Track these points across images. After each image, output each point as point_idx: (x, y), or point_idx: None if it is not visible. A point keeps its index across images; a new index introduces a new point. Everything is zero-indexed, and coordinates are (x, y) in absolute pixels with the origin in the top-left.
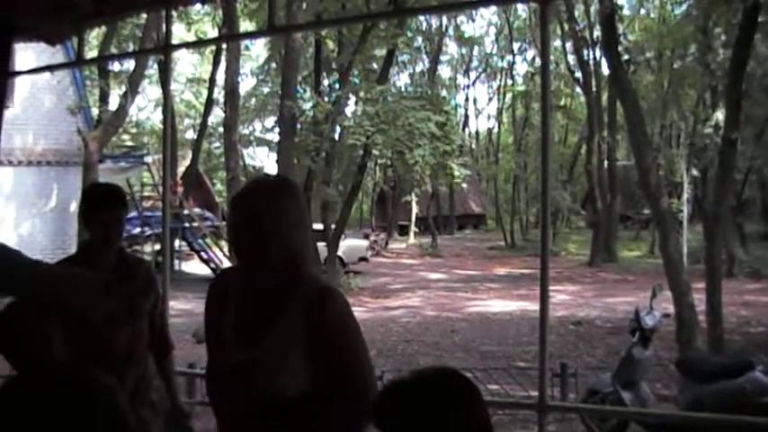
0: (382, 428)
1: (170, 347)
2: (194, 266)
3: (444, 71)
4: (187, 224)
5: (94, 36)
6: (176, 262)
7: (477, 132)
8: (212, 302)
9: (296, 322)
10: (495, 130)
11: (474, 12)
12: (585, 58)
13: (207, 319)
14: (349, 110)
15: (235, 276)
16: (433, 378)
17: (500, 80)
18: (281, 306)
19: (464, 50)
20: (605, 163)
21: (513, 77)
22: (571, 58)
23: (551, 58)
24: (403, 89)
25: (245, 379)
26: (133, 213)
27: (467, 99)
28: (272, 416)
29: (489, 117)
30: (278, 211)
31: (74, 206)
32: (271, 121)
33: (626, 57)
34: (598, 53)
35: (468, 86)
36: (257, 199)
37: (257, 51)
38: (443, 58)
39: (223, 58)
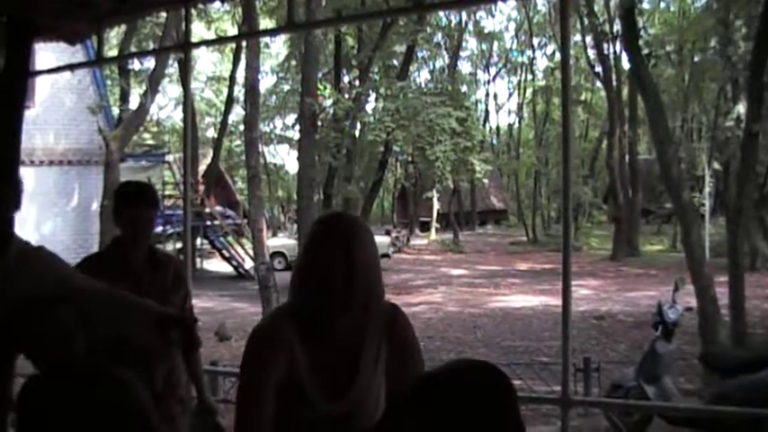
0: (414, 419)
1: (197, 344)
2: (216, 264)
3: (464, 67)
4: (209, 222)
5: (114, 35)
6: (198, 260)
7: (497, 128)
8: (271, 356)
9: (376, 350)
10: (516, 125)
11: (493, 7)
12: (606, 52)
13: (260, 377)
14: (369, 106)
15: (287, 331)
16: (467, 371)
17: (520, 75)
18: (357, 341)
19: (484, 46)
20: (626, 157)
21: (533, 72)
22: (591, 53)
23: (571, 52)
24: (423, 85)
25: (345, 428)
26: None
27: (487, 94)
28: None
29: (510, 112)
30: (359, 254)
31: (95, 205)
32: (291, 118)
33: (646, 51)
34: (618, 47)
35: (488, 82)
36: (340, 242)
37: (277, 49)
38: (463, 53)
39: (243, 56)
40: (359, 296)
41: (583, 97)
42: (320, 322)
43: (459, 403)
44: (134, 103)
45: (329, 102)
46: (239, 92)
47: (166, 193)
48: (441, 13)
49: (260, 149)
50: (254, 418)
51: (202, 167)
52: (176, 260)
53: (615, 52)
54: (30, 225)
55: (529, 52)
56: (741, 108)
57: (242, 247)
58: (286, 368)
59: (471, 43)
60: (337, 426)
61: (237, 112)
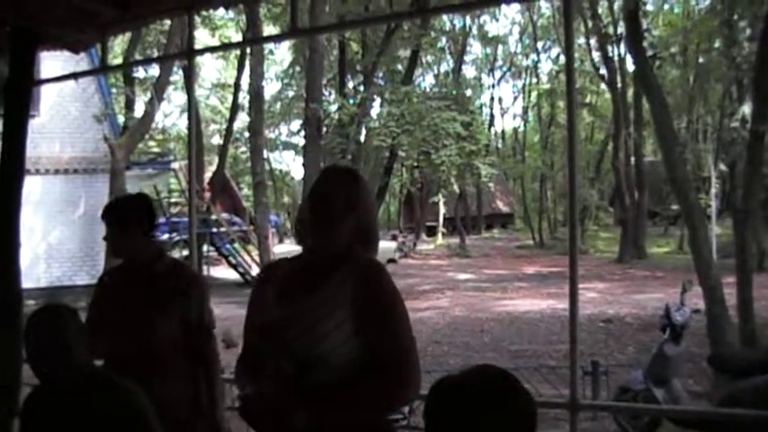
0: (433, 426)
1: (208, 358)
2: (223, 272)
3: (469, 71)
4: (215, 229)
5: (119, 44)
6: (205, 267)
7: (503, 131)
8: (259, 286)
9: (341, 288)
10: (521, 128)
11: (498, 11)
12: (610, 54)
13: (252, 302)
14: (374, 111)
15: (286, 262)
16: (484, 377)
17: (525, 79)
18: (328, 274)
19: (488, 50)
20: (632, 159)
21: (537, 76)
22: (596, 55)
23: (575, 55)
24: (428, 90)
25: (284, 337)
26: (161, 219)
27: (492, 98)
28: (306, 376)
29: (515, 116)
30: (344, 197)
31: (101, 213)
32: (296, 124)
33: (651, 52)
34: (622, 49)
35: (493, 86)
36: (327, 185)
37: (281, 55)
38: (468, 57)
39: (247, 63)
40: (336, 238)
41: (588, 100)
42: (299, 259)
43: (480, 411)
44: (139, 111)
45: (334, 107)
46: (244, 98)
47: (172, 200)
48: (445, 18)
49: (265, 156)
50: (246, 342)
51: (208, 174)
52: (184, 272)
53: (620, 54)
54: (37, 234)
55: (533, 56)
56: (746, 109)
57: (248, 253)
58: (265, 290)
59: (476, 47)
60: (275, 328)
61: (242, 119)
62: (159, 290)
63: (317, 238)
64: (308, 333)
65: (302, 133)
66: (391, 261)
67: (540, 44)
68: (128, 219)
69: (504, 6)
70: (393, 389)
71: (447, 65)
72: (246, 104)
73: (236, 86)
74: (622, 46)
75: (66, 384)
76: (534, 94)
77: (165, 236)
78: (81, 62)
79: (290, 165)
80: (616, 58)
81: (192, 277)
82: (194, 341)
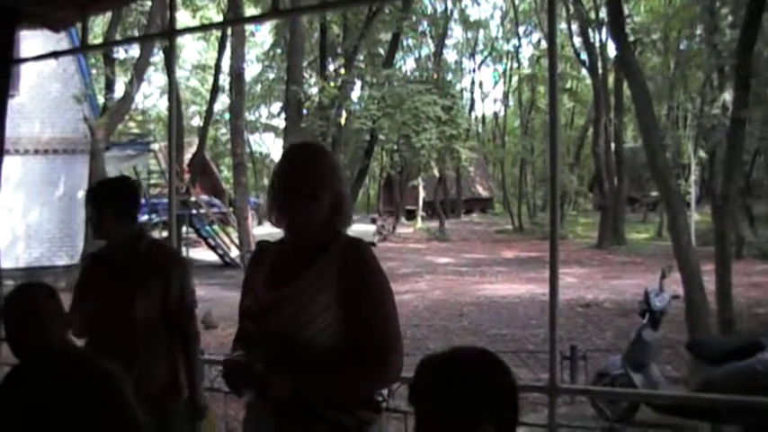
0: (418, 402)
1: (189, 336)
2: (202, 253)
3: (450, 55)
4: (194, 211)
5: (99, 24)
6: (184, 249)
7: (483, 116)
8: (251, 269)
9: (327, 270)
10: (502, 113)
11: None
12: (591, 40)
13: (245, 284)
14: (355, 94)
15: (274, 245)
16: (470, 357)
17: (506, 63)
18: (313, 257)
19: (470, 34)
20: (612, 145)
21: (518, 61)
22: (577, 41)
23: (557, 40)
24: (409, 73)
25: (270, 320)
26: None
27: (473, 83)
28: (295, 359)
29: (495, 101)
30: (315, 174)
31: (81, 194)
32: (277, 106)
33: (632, 38)
34: (604, 35)
35: (473, 70)
36: (294, 163)
37: (262, 38)
38: (449, 42)
39: (228, 44)
40: (315, 215)
41: (568, 85)
42: (282, 240)
43: (465, 389)
44: (119, 91)
45: (315, 90)
46: (225, 80)
47: (152, 181)
48: (426, 1)
49: (245, 138)
50: (240, 324)
51: (188, 156)
52: (162, 251)
53: (601, 40)
54: (16, 214)
55: (514, 40)
56: (727, 96)
57: (228, 235)
58: (256, 273)
59: (457, 32)
60: (263, 313)
61: (223, 101)
62: (140, 269)
63: (291, 216)
64: (295, 317)
65: (282, 115)
66: (370, 244)
67: (521, 29)
68: (111, 201)
69: None
70: (375, 369)
71: (428, 48)
72: (227, 86)
73: (217, 68)
74: (604, 32)
75: (43, 363)
76: (515, 78)
77: (145, 217)
78: (61, 42)
79: (270, 147)
80: (597, 44)
81: (173, 256)
82: (175, 319)
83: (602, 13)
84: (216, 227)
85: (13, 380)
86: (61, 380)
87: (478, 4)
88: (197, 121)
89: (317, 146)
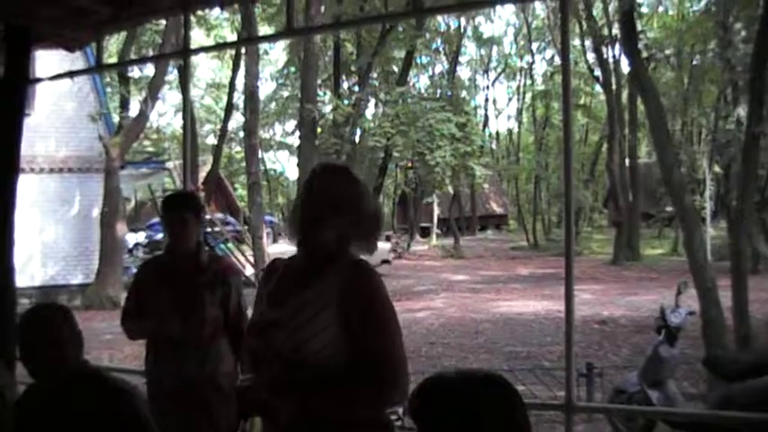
0: (420, 422)
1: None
2: None
3: (464, 72)
4: (209, 229)
5: (114, 43)
6: None
7: (497, 133)
8: (262, 285)
9: (328, 288)
10: (516, 130)
11: (492, 12)
12: (605, 56)
13: (257, 301)
14: (369, 112)
15: (284, 262)
16: (478, 380)
17: (519, 80)
18: (316, 276)
19: (483, 51)
20: (627, 161)
21: (532, 77)
22: (590, 57)
23: (570, 56)
24: (422, 90)
25: (272, 337)
26: (155, 219)
27: (486, 99)
28: (294, 376)
29: (509, 117)
30: (333, 197)
31: (96, 212)
32: (291, 124)
33: (646, 54)
34: (617, 51)
35: (487, 87)
36: (317, 182)
37: (276, 56)
38: (462, 59)
39: (242, 63)
40: (323, 236)
41: (582, 101)
42: (292, 257)
43: (469, 413)
44: (134, 110)
45: (329, 108)
46: (239, 98)
47: None
48: (439, 19)
49: (260, 156)
50: (245, 340)
51: (202, 174)
52: (222, 262)
53: (614, 56)
54: (31, 232)
55: (528, 57)
56: (741, 111)
57: (242, 253)
58: (265, 289)
59: (470, 48)
60: (265, 330)
61: (237, 119)
62: (206, 277)
63: (304, 235)
64: (296, 334)
65: (297, 133)
66: (385, 262)
67: (534, 45)
68: (199, 211)
69: (498, 7)
70: (378, 390)
71: (442, 66)
72: (241, 104)
73: (231, 86)
74: (617, 47)
75: (59, 383)
76: (529, 95)
77: (160, 235)
78: (76, 61)
79: (285, 165)
80: (611, 60)
81: (233, 267)
82: (232, 320)
83: (615, 30)
84: (230, 245)
85: (30, 399)
86: (78, 399)
87: (492, 21)
88: (211, 140)
89: (343, 170)
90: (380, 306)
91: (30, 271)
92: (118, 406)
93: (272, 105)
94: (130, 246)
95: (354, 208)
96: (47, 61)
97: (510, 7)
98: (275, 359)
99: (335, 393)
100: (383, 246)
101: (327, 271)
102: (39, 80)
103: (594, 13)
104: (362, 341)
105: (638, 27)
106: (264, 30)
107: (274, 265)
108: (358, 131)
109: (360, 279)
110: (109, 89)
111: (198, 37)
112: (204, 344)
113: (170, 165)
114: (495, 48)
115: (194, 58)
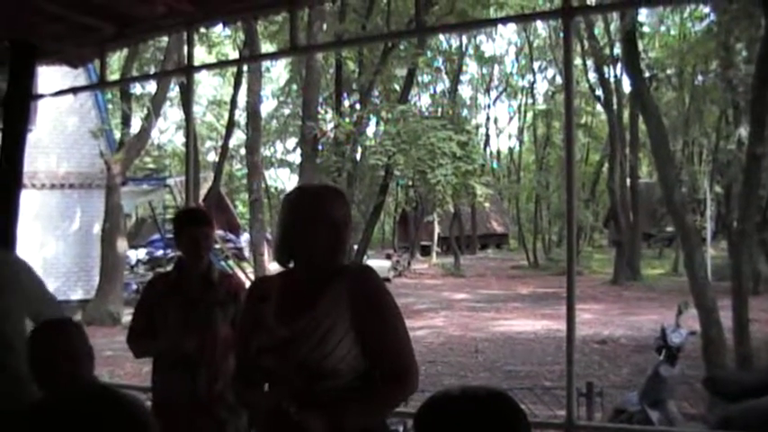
0: None
1: None
2: None
3: (465, 91)
4: None
5: (115, 59)
6: None
7: (498, 151)
8: (253, 304)
9: (340, 297)
10: (517, 149)
11: (494, 31)
12: (606, 75)
13: (243, 319)
14: (370, 130)
15: (273, 280)
16: (483, 398)
17: (521, 99)
18: (324, 287)
19: (484, 70)
20: (627, 181)
21: (533, 96)
22: (592, 76)
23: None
24: (424, 109)
25: (291, 353)
26: (156, 236)
27: (488, 118)
28: (317, 388)
29: (510, 136)
30: (325, 215)
31: (97, 228)
32: (292, 142)
33: (647, 74)
34: (619, 70)
35: (488, 106)
36: (306, 203)
37: (278, 73)
38: (464, 77)
39: (244, 80)
40: (319, 254)
41: (583, 120)
42: (286, 275)
43: (467, 428)
44: (136, 126)
45: (330, 125)
46: (240, 116)
47: (168, 216)
48: (441, 38)
49: (261, 173)
50: (240, 348)
51: (203, 191)
52: (233, 279)
53: (616, 75)
54: (33, 248)
55: (529, 76)
56: (743, 131)
57: (242, 271)
58: (257, 311)
59: (472, 67)
60: (283, 347)
61: (238, 137)
62: (217, 295)
63: (296, 252)
64: (317, 348)
65: (298, 151)
66: (385, 280)
67: (536, 64)
68: (213, 227)
69: (500, 26)
70: (397, 389)
71: (443, 84)
72: (243, 122)
73: (233, 103)
74: (618, 67)
75: (71, 398)
76: (530, 114)
77: (160, 252)
78: (79, 77)
79: (286, 182)
80: (612, 80)
81: (241, 285)
82: None
83: (617, 49)
84: (231, 262)
85: (42, 413)
86: (88, 415)
87: (493, 40)
88: (212, 157)
89: (335, 190)
90: (387, 303)
91: None
92: (130, 422)
93: (274, 123)
94: (132, 262)
95: (347, 224)
96: (49, 77)
97: (512, 26)
98: (296, 374)
99: (363, 399)
100: (384, 264)
101: (335, 282)
102: (41, 96)
103: (596, 32)
104: (375, 340)
105: (640, 47)
106: (266, 47)
107: (262, 286)
108: (359, 149)
109: (366, 280)
110: (110, 105)
111: (200, 54)
112: (216, 362)
113: (171, 181)
114: (496, 66)
115: (196, 75)
